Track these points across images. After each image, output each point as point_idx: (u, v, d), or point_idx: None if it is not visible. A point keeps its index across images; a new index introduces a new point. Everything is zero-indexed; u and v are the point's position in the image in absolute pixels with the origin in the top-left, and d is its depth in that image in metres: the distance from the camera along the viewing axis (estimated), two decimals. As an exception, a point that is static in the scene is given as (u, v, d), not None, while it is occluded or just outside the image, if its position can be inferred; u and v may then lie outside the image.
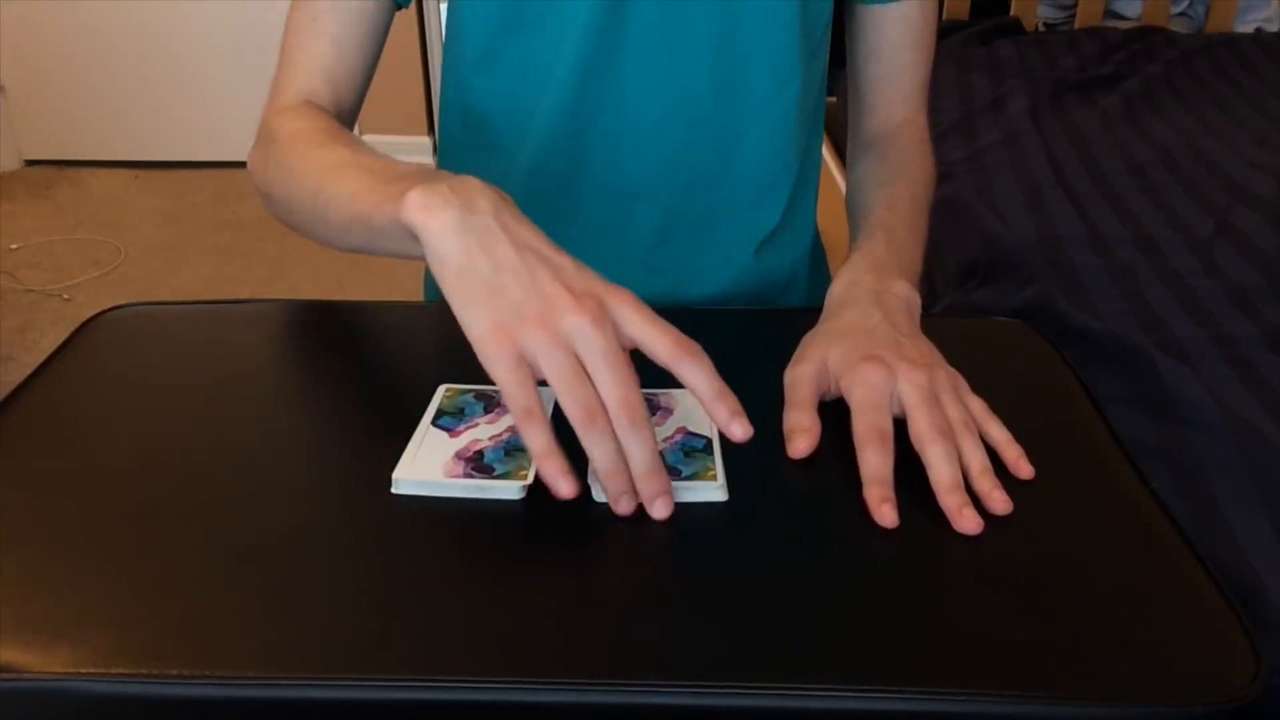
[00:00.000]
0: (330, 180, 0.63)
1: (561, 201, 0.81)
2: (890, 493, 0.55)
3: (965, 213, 1.35)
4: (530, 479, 0.56)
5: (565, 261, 0.55)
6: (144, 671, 0.46)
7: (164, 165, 3.04)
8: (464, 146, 0.85)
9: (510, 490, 0.56)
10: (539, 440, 0.51)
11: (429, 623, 0.49)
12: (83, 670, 0.46)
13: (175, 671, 0.46)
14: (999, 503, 0.55)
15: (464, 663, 0.47)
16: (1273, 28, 2.32)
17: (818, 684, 0.46)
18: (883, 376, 0.60)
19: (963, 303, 1.21)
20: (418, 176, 0.57)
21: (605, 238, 0.82)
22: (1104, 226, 1.30)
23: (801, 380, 0.62)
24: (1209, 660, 0.47)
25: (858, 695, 0.45)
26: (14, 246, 2.58)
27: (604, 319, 0.52)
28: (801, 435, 0.59)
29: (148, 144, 3.05)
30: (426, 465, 0.57)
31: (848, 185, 0.87)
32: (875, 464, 0.56)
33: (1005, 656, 0.47)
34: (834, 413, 0.62)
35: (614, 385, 0.51)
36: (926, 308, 1.33)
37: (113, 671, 0.46)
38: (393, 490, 0.57)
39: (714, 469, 0.58)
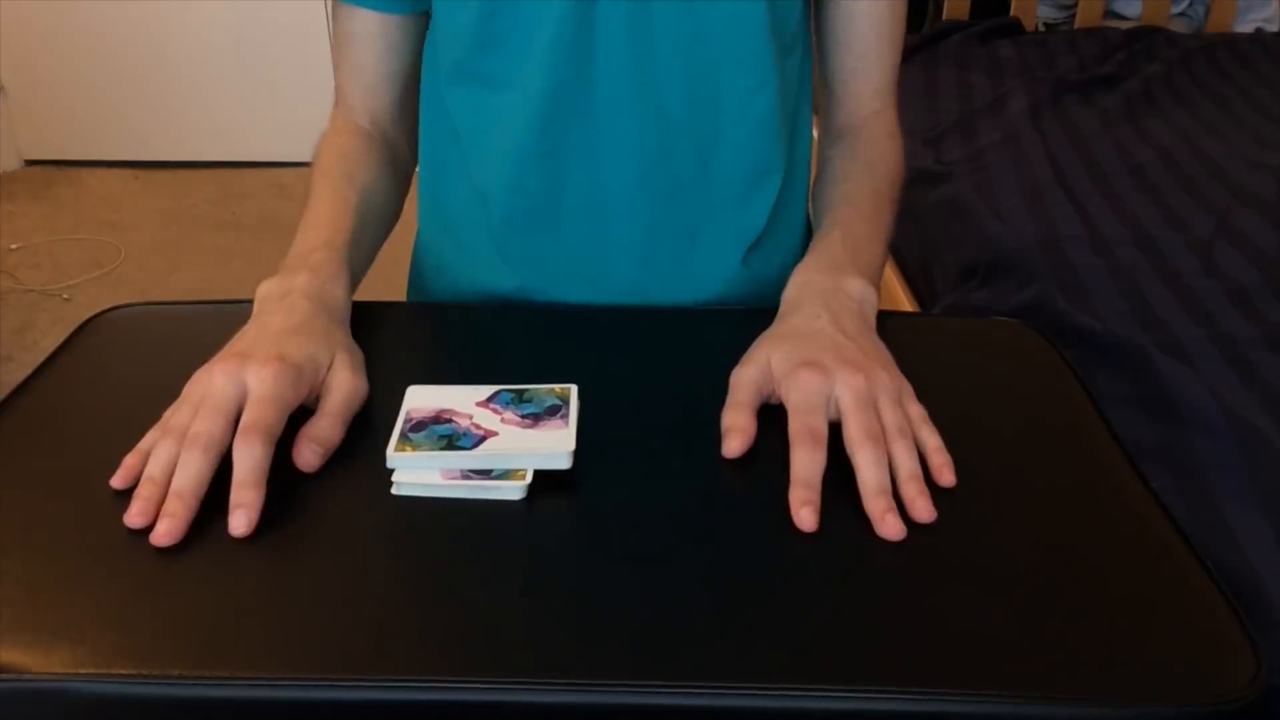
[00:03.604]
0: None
1: (542, 219, 0.81)
2: (813, 495, 0.55)
3: (965, 213, 1.35)
4: (530, 479, 0.56)
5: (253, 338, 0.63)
6: (144, 671, 0.46)
7: (164, 165, 3.04)
8: (444, 161, 0.85)
9: (510, 490, 0.56)
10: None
11: (429, 623, 0.49)
12: (82, 670, 0.46)
13: (175, 671, 0.46)
14: (922, 510, 0.55)
15: (463, 663, 0.47)
16: (1273, 28, 2.32)
17: (818, 684, 0.46)
18: (819, 381, 0.60)
19: (963, 303, 1.21)
20: (288, 272, 0.68)
21: (589, 253, 0.82)
22: (1104, 226, 1.30)
23: (743, 381, 0.63)
24: (1209, 660, 0.47)
25: (858, 695, 0.45)
26: (14, 246, 2.58)
27: (236, 373, 0.59)
28: (736, 435, 0.60)
29: (148, 144, 3.04)
30: (426, 466, 0.57)
31: (815, 177, 0.87)
32: (802, 465, 0.57)
33: (1005, 656, 0.47)
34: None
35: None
36: (926, 307, 1.34)
37: (112, 671, 0.46)
38: (393, 491, 0.57)
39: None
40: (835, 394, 0.60)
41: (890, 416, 0.59)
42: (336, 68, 0.84)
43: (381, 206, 0.81)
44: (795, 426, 0.59)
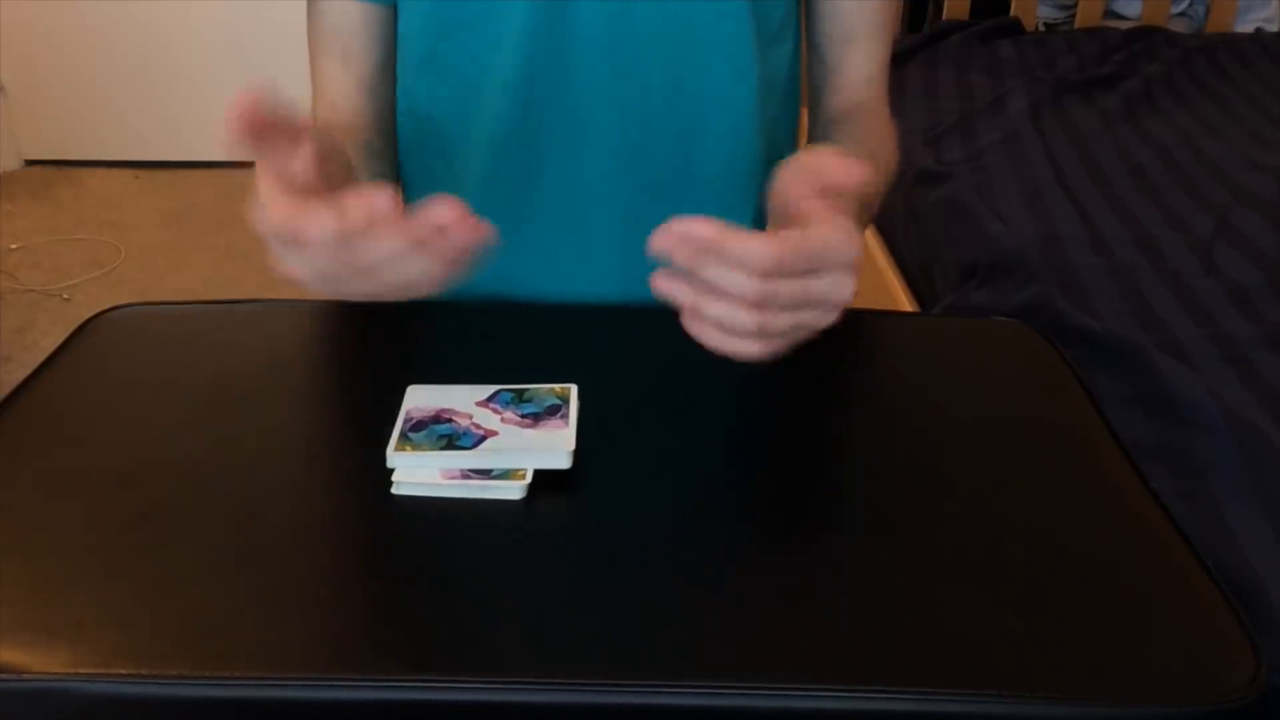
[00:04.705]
0: None
1: (520, 207, 0.80)
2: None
3: (965, 213, 1.35)
4: (530, 478, 0.56)
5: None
6: (144, 672, 0.46)
7: (164, 165, 3.04)
8: (417, 153, 0.84)
9: (510, 490, 0.56)
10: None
11: (429, 622, 0.49)
12: (83, 670, 0.46)
13: (175, 672, 0.46)
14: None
15: (463, 663, 0.47)
16: (1273, 28, 2.32)
17: (818, 684, 0.46)
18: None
19: (963, 303, 1.21)
20: None
21: (569, 241, 0.81)
22: (1104, 226, 1.30)
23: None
24: (1209, 661, 0.47)
25: (858, 695, 0.45)
26: (14, 246, 2.57)
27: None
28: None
29: (148, 144, 3.04)
30: (426, 466, 0.57)
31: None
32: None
33: (1005, 656, 0.47)
34: (826, 425, 0.62)
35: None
36: (926, 307, 1.34)
37: (112, 671, 0.46)
38: (393, 491, 0.57)
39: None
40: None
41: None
42: (314, 71, 0.81)
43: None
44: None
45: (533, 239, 0.81)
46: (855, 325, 0.77)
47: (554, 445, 0.58)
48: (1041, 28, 2.35)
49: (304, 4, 0.81)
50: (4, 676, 0.46)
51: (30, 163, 3.06)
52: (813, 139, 0.86)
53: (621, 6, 0.74)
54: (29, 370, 0.68)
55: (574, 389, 0.63)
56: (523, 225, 0.81)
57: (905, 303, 1.40)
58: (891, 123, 0.84)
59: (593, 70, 0.75)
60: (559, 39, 0.74)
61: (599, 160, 0.78)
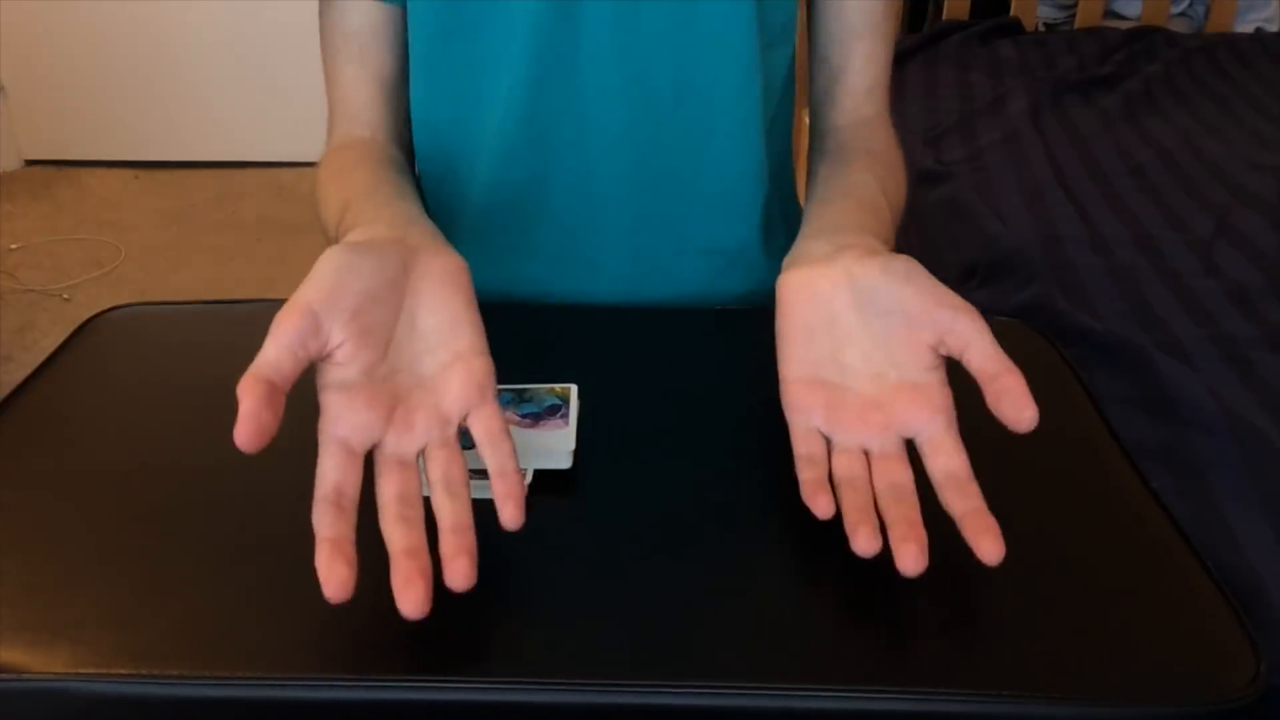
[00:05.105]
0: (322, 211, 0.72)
1: (528, 210, 0.80)
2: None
3: (965, 213, 1.35)
4: (530, 478, 0.56)
5: None
6: (144, 671, 0.46)
7: (164, 165, 3.04)
8: (424, 157, 0.83)
9: (510, 490, 0.56)
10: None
11: (429, 622, 0.49)
12: (83, 670, 0.46)
13: (175, 671, 0.46)
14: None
15: (463, 663, 0.47)
16: (1273, 28, 2.32)
17: (818, 684, 0.46)
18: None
19: (963, 303, 1.21)
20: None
21: (577, 243, 0.81)
22: (1104, 226, 1.30)
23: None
24: (1209, 660, 0.47)
25: (858, 695, 0.45)
26: (14, 246, 2.58)
27: None
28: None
29: (148, 144, 3.04)
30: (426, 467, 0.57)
31: (806, 180, 0.82)
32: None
33: (1005, 656, 0.47)
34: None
35: None
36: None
37: (113, 671, 0.46)
38: (393, 490, 0.56)
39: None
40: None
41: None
42: (332, 81, 0.80)
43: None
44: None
45: (542, 242, 0.81)
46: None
47: (554, 445, 0.58)
48: (1041, 28, 2.35)
49: (303, 4, 0.81)
50: (4, 676, 0.46)
51: (30, 163, 3.06)
52: (813, 151, 0.85)
53: (629, 7, 0.74)
54: (29, 370, 0.68)
55: (574, 389, 0.63)
56: (531, 228, 0.81)
57: (905, 303, 1.40)
58: (896, 141, 0.82)
59: (601, 72, 0.75)
60: (566, 41, 0.74)
61: (607, 162, 0.78)
